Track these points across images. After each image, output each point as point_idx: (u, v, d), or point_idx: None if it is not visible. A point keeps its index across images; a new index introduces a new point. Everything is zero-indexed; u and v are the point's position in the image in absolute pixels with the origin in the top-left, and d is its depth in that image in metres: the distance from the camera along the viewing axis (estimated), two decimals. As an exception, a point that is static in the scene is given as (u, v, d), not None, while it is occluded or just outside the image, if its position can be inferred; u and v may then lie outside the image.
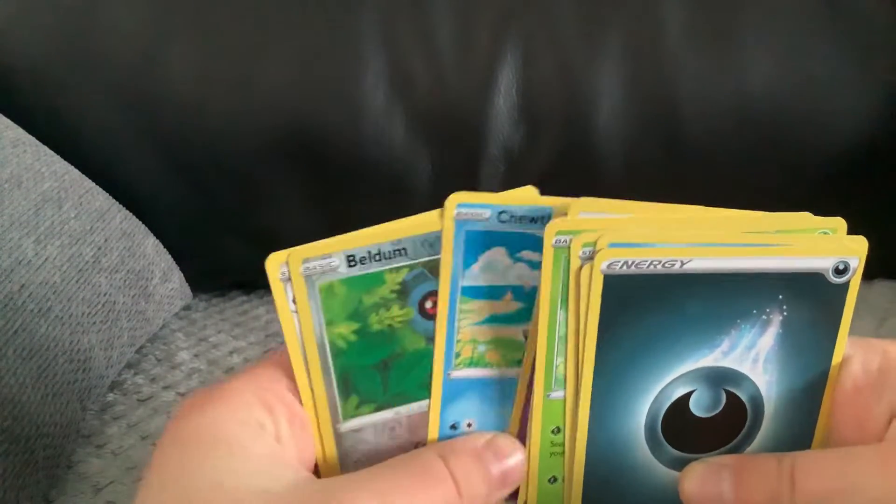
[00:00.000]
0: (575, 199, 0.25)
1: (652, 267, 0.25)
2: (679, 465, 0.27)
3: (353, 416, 0.26)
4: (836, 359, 0.27)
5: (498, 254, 0.26)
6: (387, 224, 0.25)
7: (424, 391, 0.27)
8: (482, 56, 0.57)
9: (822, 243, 0.26)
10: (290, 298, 0.25)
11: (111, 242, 0.55)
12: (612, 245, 0.25)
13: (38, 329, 0.46)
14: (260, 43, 0.58)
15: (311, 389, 0.26)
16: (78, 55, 0.58)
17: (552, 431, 0.27)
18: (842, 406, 0.27)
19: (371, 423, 0.27)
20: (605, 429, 0.27)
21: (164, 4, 0.59)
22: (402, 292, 0.26)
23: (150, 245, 0.60)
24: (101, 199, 0.57)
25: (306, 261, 0.24)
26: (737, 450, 0.28)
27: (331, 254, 0.25)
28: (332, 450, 0.26)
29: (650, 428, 0.27)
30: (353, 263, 0.25)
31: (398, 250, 0.25)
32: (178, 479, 0.23)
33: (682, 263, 0.25)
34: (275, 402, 0.25)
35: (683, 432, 0.27)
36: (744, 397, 0.27)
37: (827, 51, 0.56)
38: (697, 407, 0.27)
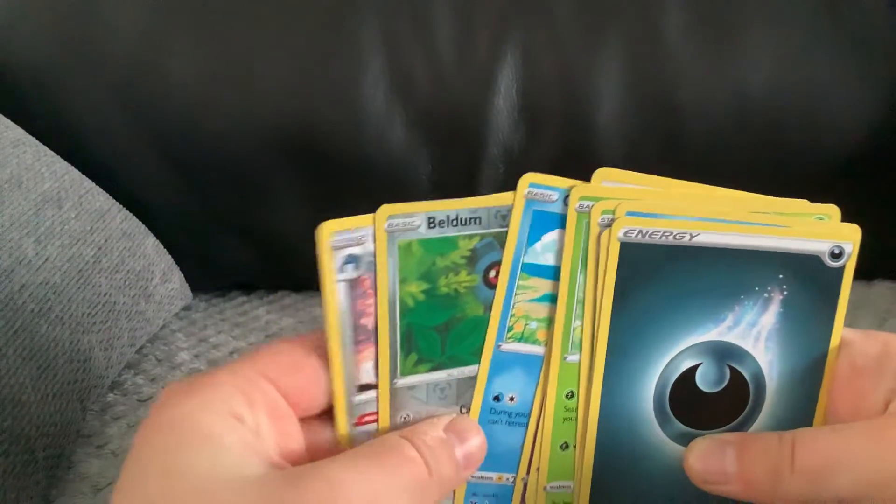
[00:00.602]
0: (599, 169, 0.27)
1: (664, 238, 0.26)
2: (685, 440, 0.28)
3: (409, 374, 0.27)
4: (834, 342, 0.29)
5: (559, 235, 0.27)
6: (466, 198, 0.26)
7: (476, 358, 0.28)
8: (482, 56, 0.57)
9: (819, 227, 0.28)
10: (338, 267, 0.25)
11: (111, 243, 0.55)
12: (630, 213, 0.26)
13: (39, 329, 0.46)
14: (260, 43, 0.58)
15: (377, 344, 0.27)
16: (78, 55, 0.58)
17: (566, 396, 0.28)
18: (839, 389, 0.29)
19: (424, 382, 0.28)
20: (616, 395, 0.28)
21: (164, 4, 0.59)
22: (472, 259, 0.27)
23: (150, 245, 0.60)
24: (101, 199, 0.57)
25: (391, 217, 0.26)
26: (740, 428, 0.29)
27: (414, 213, 0.26)
28: (385, 403, 0.27)
29: (659, 400, 0.28)
30: (432, 225, 0.26)
31: (474, 218, 0.26)
32: (151, 470, 0.23)
33: (692, 236, 0.26)
34: (256, 394, 0.25)
35: (690, 407, 0.29)
36: (747, 375, 0.29)
37: (827, 51, 0.56)
38: (703, 381, 0.28)
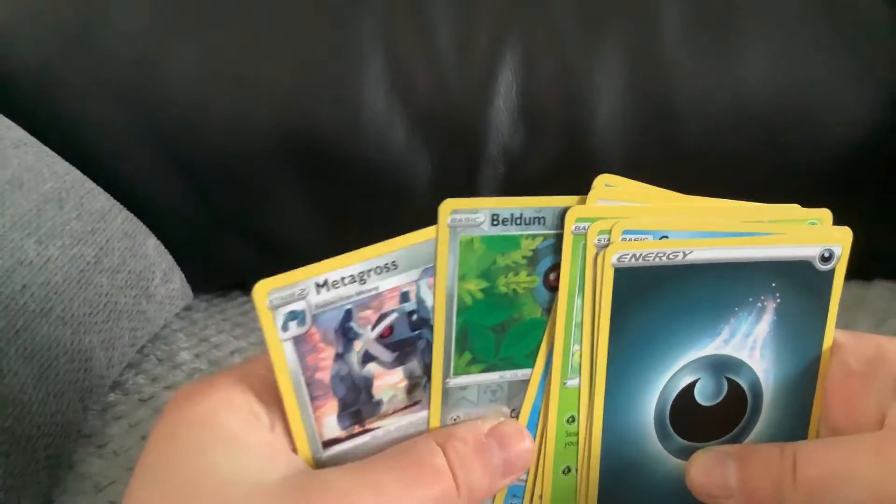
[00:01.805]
0: (597, 180, 0.26)
1: (658, 259, 0.26)
2: (686, 454, 0.28)
3: (462, 373, 0.27)
4: (826, 345, 0.29)
5: None
6: (532, 197, 0.26)
7: (529, 361, 0.27)
8: (482, 56, 0.57)
9: (810, 232, 0.28)
10: (280, 326, 0.24)
11: (112, 243, 0.56)
12: (626, 232, 0.26)
13: (40, 329, 0.46)
14: (260, 43, 0.58)
15: (430, 342, 0.26)
16: (79, 56, 0.59)
17: (567, 421, 0.28)
18: (833, 393, 0.28)
19: (476, 383, 0.27)
20: (618, 418, 0.28)
21: (164, 5, 0.59)
22: (532, 260, 0.26)
23: (152, 245, 0.60)
24: (102, 199, 0.57)
25: (454, 212, 0.25)
26: (739, 437, 0.29)
27: (478, 209, 0.25)
28: (437, 403, 0.27)
29: (659, 418, 0.28)
30: (496, 223, 0.26)
31: (538, 218, 0.26)
32: (173, 468, 0.23)
33: (685, 254, 0.26)
34: (269, 393, 0.25)
35: (690, 421, 0.28)
36: (744, 385, 0.29)
37: (826, 51, 0.56)
38: (702, 395, 0.28)
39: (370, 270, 0.25)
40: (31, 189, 0.52)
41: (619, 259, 0.26)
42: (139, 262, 0.58)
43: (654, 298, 0.27)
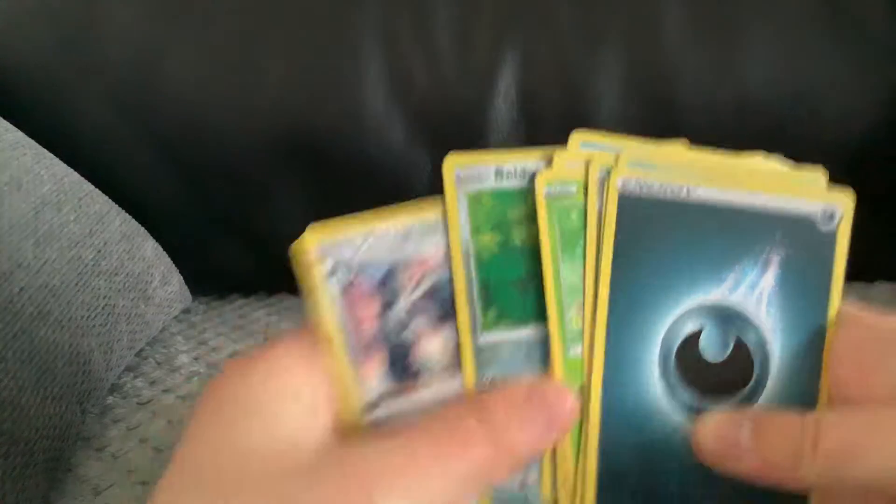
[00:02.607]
0: (576, 133, 0.26)
1: (662, 191, 0.26)
2: (693, 414, 0.27)
3: (491, 329, 0.26)
4: (832, 313, 0.28)
5: None
6: (536, 149, 0.25)
7: None
8: (482, 56, 0.57)
9: (813, 188, 0.27)
10: (327, 274, 0.24)
11: (110, 245, 0.55)
12: (632, 164, 0.25)
13: (38, 332, 0.46)
14: (260, 43, 0.58)
15: (454, 299, 0.26)
16: (78, 57, 0.58)
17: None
18: (846, 363, 0.28)
19: (508, 340, 0.27)
20: (620, 358, 0.27)
21: (163, 6, 0.59)
22: None
23: (150, 248, 0.60)
24: (100, 202, 0.57)
25: (458, 168, 0.25)
26: (749, 399, 0.28)
27: (481, 164, 0.25)
28: (470, 362, 0.26)
29: (664, 366, 0.27)
30: (500, 176, 0.26)
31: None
32: (210, 443, 0.23)
33: (689, 191, 0.26)
34: (315, 368, 0.25)
35: (696, 374, 0.28)
36: (751, 344, 0.28)
37: (827, 50, 0.56)
38: (707, 347, 0.28)
39: (416, 228, 0.25)
40: (29, 191, 0.51)
41: (623, 184, 0.25)
42: (137, 265, 0.57)
43: (657, 234, 0.26)
